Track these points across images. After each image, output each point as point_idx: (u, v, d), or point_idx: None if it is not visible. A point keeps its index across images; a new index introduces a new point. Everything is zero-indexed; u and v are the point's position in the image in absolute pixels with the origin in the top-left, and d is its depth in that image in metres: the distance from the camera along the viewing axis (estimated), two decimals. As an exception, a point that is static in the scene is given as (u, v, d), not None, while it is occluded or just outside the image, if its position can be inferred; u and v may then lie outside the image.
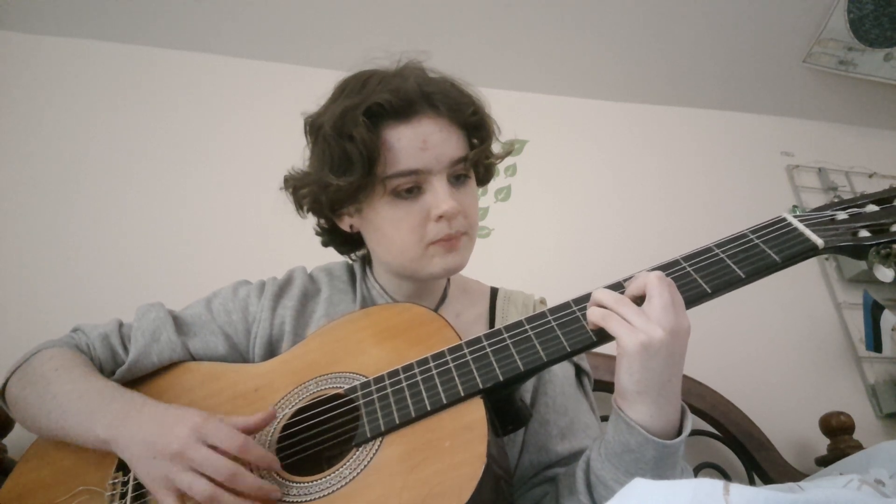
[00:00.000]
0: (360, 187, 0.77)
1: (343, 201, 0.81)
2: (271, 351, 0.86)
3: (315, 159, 0.82)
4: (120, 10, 1.61)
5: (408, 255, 0.80)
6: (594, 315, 0.65)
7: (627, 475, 0.63)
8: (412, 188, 0.77)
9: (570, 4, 1.77)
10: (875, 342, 1.62)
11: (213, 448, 0.63)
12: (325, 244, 0.95)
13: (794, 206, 1.91)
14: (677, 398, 0.63)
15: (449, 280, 0.94)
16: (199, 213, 1.55)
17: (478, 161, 0.84)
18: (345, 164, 0.77)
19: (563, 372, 0.85)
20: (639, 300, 0.64)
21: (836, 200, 0.73)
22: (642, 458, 0.62)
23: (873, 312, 1.62)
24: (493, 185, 1.80)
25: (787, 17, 1.88)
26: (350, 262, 0.98)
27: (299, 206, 0.88)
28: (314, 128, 0.83)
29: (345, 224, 0.87)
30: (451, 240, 0.78)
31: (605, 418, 1.36)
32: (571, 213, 1.82)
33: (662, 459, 0.62)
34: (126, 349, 0.84)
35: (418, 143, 0.77)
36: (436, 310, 0.90)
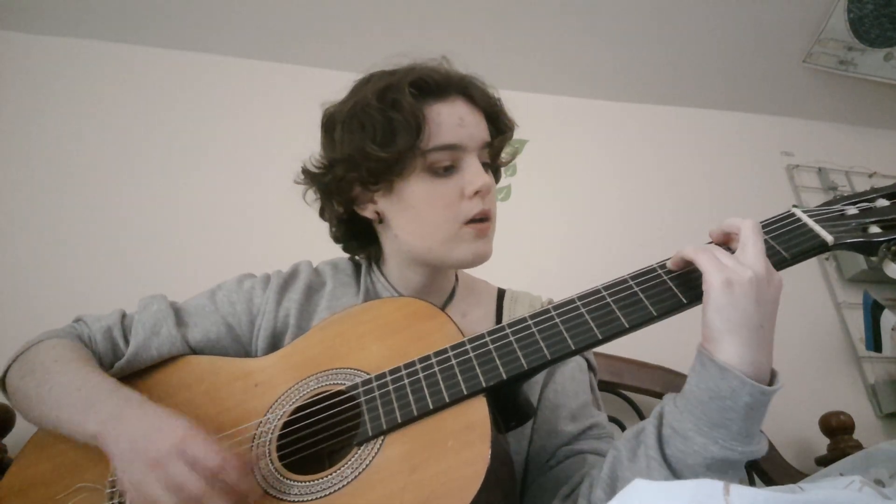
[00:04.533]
0: (400, 160, 0.77)
1: (381, 175, 0.79)
2: (275, 344, 0.85)
3: (353, 134, 0.80)
4: (120, 11, 1.61)
5: (440, 235, 0.80)
6: (686, 250, 0.64)
7: (712, 426, 0.59)
8: (449, 166, 0.79)
9: (570, 4, 1.77)
10: (875, 342, 1.62)
11: (192, 464, 0.61)
12: (336, 239, 0.94)
13: (795, 206, 1.91)
14: (770, 350, 0.61)
15: (457, 278, 0.94)
16: (201, 210, 1.54)
17: (497, 154, 0.87)
18: (388, 134, 0.77)
19: (573, 360, 0.85)
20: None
21: (845, 195, 0.72)
22: (733, 406, 0.58)
23: (873, 312, 1.62)
24: (494, 184, 1.80)
25: (787, 17, 1.88)
26: (356, 258, 0.97)
27: (322, 193, 0.87)
28: (343, 112, 0.82)
29: (368, 211, 0.85)
30: (484, 221, 0.79)
31: (610, 418, 1.36)
32: (571, 212, 1.82)
33: (754, 409, 0.59)
34: (127, 342, 0.84)
35: (456, 119, 0.79)
36: (443, 308, 0.89)
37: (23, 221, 1.43)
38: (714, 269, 0.60)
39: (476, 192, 0.78)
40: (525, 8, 1.76)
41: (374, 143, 0.77)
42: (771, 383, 0.61)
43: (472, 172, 0.79)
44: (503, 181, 1.82)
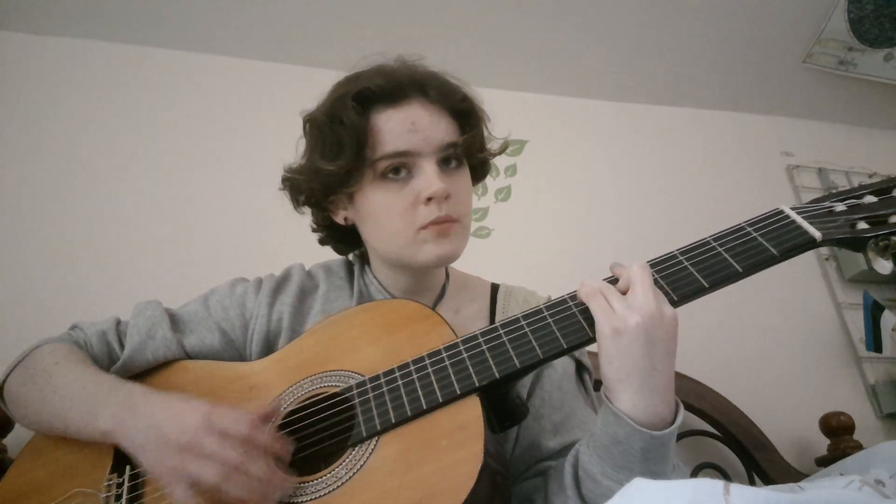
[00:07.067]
0: (350, 172, 0.79)
1: (335, 187, 0.82)
2: (269, 347, 0.85)
3: (308, 148, 0.84)
4: (120, 10, 1.61)
5: (399, 241, 0.80)
6: (582, 291, 0.66)
7: (616, 469, 0.62)
8: (399, 168, 0.78)
9: (569, 4, 1.77)
10: (875, 342, 1.62)
11: (223, 436, 0.63)
12: (322, 242, 0.95)
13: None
14: (666, 389, 0.62)
15: (448, 276, 0.94)
16: (199, 212, 1.54)
17: (470, 151, 0.85)
18: (335, 148, 0.79)
19: (562, 367, 0.85)
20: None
21: (834, 192, 0.72)
22: (630, 450, 0.61)
23: (873, 313, 1.62)
24: (493, 185, 1.80)
25: (787, 17, 1.87)
26: (349, 259, 0.98)
27: (296, 200, 0.89)
28: (308, 122, 0.85)
29: (339, 217, 0.87)
30: (442, 223, 0.78)
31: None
32: (572, 213, 1.81)
33: (651, 451, 0.61)
34: (123, 346, 0.84)
35: (407, 125, 0.78)
36: (434, 306, 0.89)
37: (21, 222, 1.43)
38: (603, 317, 0.62)
39: (429, 199, 0.77)
40: (525, 8, 1.76)
41: (323, 157, 0.80)
42: (675, 419, 0.63)
43: (426, 179, 0.77)
44: (503, 181, 1.83)
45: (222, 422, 0.63)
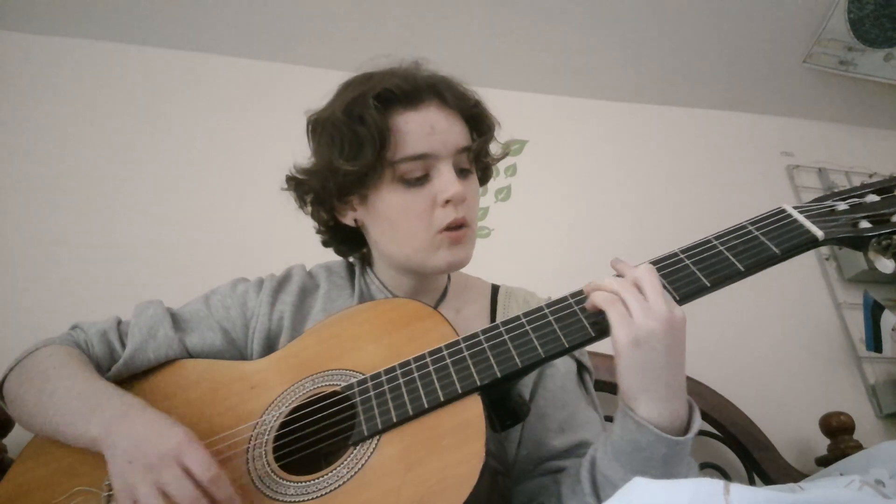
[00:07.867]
0: (368, 172, 0.78)
1: (351, 187, 0.81)
2: (270, 346, 0.86)
3: (323, 147, 0.82)
4: (119, 10, 1.61)
5: (415, 245, 0.80)
6: (598, 298, 0.64)
7: (636, 473, 0.61)
8: (422, 175, 0.78)
9: (570, 4, 1.77)
10: (875, 342, 1.62)
11: (185, 472, 0.61)
12: (325, 244, 0.95)
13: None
14: (683, 391, 0.63)
15: (449, 277, 0.94)
16: (199, 212, 1.54)
17: (479, 156, 0.85)
18: (355, 147, 0.78)
19: (564, 367, 0.85)
20: None
21: (836, 190, 0.72)
22: (653, 457, 0.61)
23: (873, 312, 1.62)
24: (493, 185, 1.80)
25: (787, 17, 1.87)
26: (350, 261, 0.98)
27: (302, 201, 0.89)
28: (319, 122, 0.84)
29: (348, 218, 0.86)
30: (457, 230, 0.79)
31: (608, 418, 1.36)
32: (572, 213, 1.81)
33: (673, 457, 0.61)
34: (124, 346, 0.84)
35: (426, 128, 0.78)
36: (436, 306, 0.89)
37: (21, 222, 1.43)
38: (621, 325, 0.61)
39: (447, 201, 0.78)
40: (525, 7, 1.76)
41: (342, 156, 0.78)
42: (690, 418, 0.64)
43: (444, 181, 0.78)
44: (503, 181, 1.83)
45: (192, 458, 0.62)
